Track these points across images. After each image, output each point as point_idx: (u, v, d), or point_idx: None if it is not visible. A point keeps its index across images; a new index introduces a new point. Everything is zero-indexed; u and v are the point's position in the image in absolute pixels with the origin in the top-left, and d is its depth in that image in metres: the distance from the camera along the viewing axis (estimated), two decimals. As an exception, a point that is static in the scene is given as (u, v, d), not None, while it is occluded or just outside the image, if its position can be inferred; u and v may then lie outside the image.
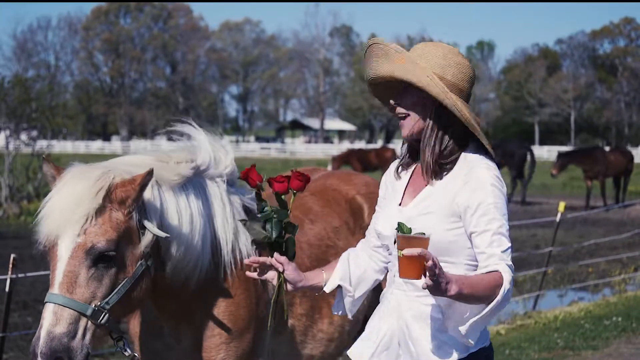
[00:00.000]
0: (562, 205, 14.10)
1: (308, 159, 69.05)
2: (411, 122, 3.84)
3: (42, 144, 29.93)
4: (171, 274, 4.48)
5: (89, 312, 4.00)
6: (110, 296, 4.08)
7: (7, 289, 7.97)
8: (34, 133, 29.67)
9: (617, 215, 28.47)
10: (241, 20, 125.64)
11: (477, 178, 3.74)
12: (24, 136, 29.11)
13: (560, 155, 32.38)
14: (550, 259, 15.03)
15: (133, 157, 4.60)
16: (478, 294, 3.49)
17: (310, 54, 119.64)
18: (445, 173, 3.83)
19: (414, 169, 4.00)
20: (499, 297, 3.52)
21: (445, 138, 3.83)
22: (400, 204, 3.93)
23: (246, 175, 3.99)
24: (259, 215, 4.01)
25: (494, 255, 3.62)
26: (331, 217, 5.74)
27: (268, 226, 3.96)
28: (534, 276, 14.77)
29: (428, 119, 3.82)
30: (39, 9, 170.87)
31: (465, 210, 3.71)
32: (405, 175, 4.02)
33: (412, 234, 3.42)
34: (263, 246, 3.94)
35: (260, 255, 4.39)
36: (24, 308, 13.18)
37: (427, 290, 3.40)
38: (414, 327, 3.80)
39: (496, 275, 3.56)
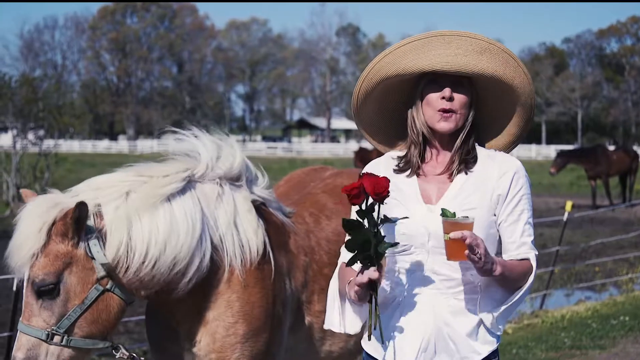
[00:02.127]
0: (569, 205, 14.09)
1: (315, 158, 69.06)
2: (457, 118, 3.82)
3: (49, 143, 30.00)
4: (165, 282, 4.52)
5: (43, 337, 4.28)
6: (61, 321, 4.31)
7: (14, 288, 7.99)
8: (41, 132, 29.73)
9: (624, 214, 28.43)
10: (247, 20, 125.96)
11: (514, 168, 3.87)
12: (31, 135, 29.19)
13: (559, 154, 32.39)
14: (557, 258, 15.02)
15: (112, 176, 4.64)
16: (514, 277, 3.70)
17: (317, 53, 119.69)
18: (470, 167, 3.87)
19: (416, 168, 3.94)
20: (528, 284, 3.76)
21: (474, 137, 3.93)
22: (425, 202, 3.86)
23: (385, 190, 3.56)
24: (375, 229, 3.60)
25: (525, 244, 3.83)
26: (346, 214, 5.73)
27: (379, 237, 3.59)
28: (541, 275, 14.72)
29: (469, 117, 3.87)
30: (46, 8, 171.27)
31: (501, 199, 3.83)
32: (409, 175, 3.95)
33: (456, 217, 3.57)
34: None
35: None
36: (31, 307, 13.17)
37: (462, 283, 3.78)
38: (454, 322, 3.81)
39: (527, 264, 3.79)
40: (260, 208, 5.03)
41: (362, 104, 4.05)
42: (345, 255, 3.98)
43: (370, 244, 3.57)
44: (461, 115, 3.82)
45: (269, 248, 4.93)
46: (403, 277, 3.89)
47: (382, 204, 3.60)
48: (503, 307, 3.75)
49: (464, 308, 3.82)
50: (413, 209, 3.84)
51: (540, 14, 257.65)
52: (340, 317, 3.93)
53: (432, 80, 3.83)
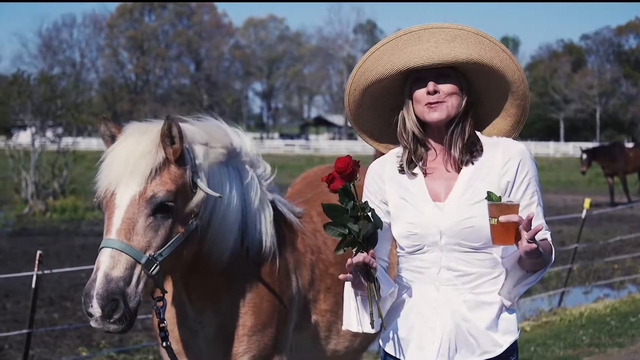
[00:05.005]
0: (587, 202, 14.04)
1: (332, 156, 68.99)
2: (447, 107, 3.81)
3: (67, 141, 30.08)
4: (207, 245, 4.56)
5: (143, 260, 4.09)
6: (164, 248, 4.18)
7: (33, 285, 8.02)
8: (60, 130, 29.80)
9: (643, 211, 28.30)
10: (265, 17, 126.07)
11: (518, 153, 3.84)
12: (49, 133, 29.25)
13: (587, 151, 32.23)
14: (576, 255, 14.97)
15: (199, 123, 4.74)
16: (545, 257, 3.68)
17: (334, 51, 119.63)
18: (475, 158, 3.85)
19: (421, 164, 3.91)
20: (550, 264, 3.77)
21: (471, 124, 3.89)
22: (434, 200, 3.83)
23: (348, 167, 3.55)
24: (349, 211, 3.55)
25: (541, 226, 3.74)
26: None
27: (362, 222, 3.54)
28: (559, 273, 14.71)
29: (461, 106, 3.85)
30: (64, 6, 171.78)
31: (509, 185, 3.80)
32: (414, 172, 3.92)
33: (502, 201, 3.53)
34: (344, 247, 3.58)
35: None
36: (49, 304, 13.25)
37: (478, 278, 3.77)
38: (473, 317, 3.80)
39: (548, 243, 3.77)
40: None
41: (358, 113, 4.07)
42: None
43: (352, 228, 3.51)
44: (452, 105, 3.81)
45: (277, 244, 4.97)
46: (417, 276, 3.88)
47: (354, 182, 3.56)
48: (522, 286, 3.77)
49: (481, 302, 3.81)
50: (422, 208, 3.82)
51: (558, 11, 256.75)
52: (358, 316, 3.85)
53: (417, 77, 3.84)
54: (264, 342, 4.81)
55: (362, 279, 3.62)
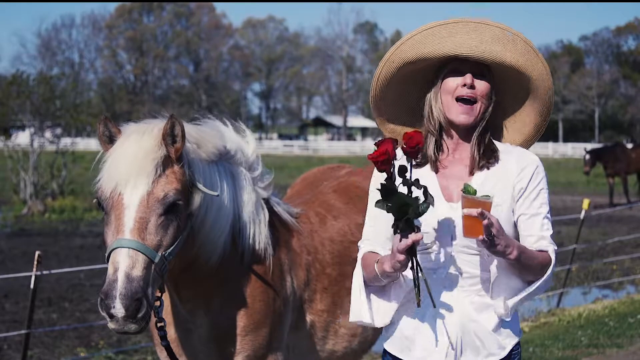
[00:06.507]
0: (586, 203, 14.04)
1: (331, 157, 69.01)
2: (477, 109, 3.82)
3: (66, 141, 30.11)
4: (197, 245, 4.54)
5: (157, 260, 4.06)
6: (172, 247, 4.16)
7: (31, 285, 8.02)
8: (58, 131, 29.87)
9: (641, 212, 28.30)
10: (264, 18, 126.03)
11: (533, 162, 3.87)
12: (48, 134, 29.30)
13: (591, 152, 32.24)
14: (574, 256, 14.99)
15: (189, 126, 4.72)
16: (532, 266, 3.67)
17: (333, 51, 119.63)
18: (492, 164, 3.85)
19: (434, 162, 3.91)
20: (546, 277, 3.72)
21: (489, 130, 3.91)
22: (446, 200, 3.83)
23: (411, 138, 3.51)
24: (401, 187, 3.53)
25: (544, 238, 3.80)
26: (355, 214, 5.73)
27: (413, 200, 3.51)
28: (558, 273, 14.69)
29: (488, 110, 3.86)
30: (63, 7, 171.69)
31: (520, 193, 3.81)
32: (428, 172, 3.91)
33: (476, 195, 3.52)
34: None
35: None
36: (48, 305, 13.26)
37: (485, 280, 3.76)
38: (480, 318, 3.80)
39: (546, 255, 3.75)
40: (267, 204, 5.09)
41: (381, 93, 4.03)
42: (366, 246, 3.98)
43: (408, 207, 3.50)
44: (482, 105, 3.82)
45: (271, 244, 4.97)
46: (426, 275, 3.83)
47: (416, 159, 3.62)
48: (518, 297, 3.74)
49: (488, 304, 3.81)
50: (435, 207, 3.77)
51: (557, 12, 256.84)
52: (370, 309, 3.86)
53: (454, 69, 3.83)
54: (258, 342, 4.81)
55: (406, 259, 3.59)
